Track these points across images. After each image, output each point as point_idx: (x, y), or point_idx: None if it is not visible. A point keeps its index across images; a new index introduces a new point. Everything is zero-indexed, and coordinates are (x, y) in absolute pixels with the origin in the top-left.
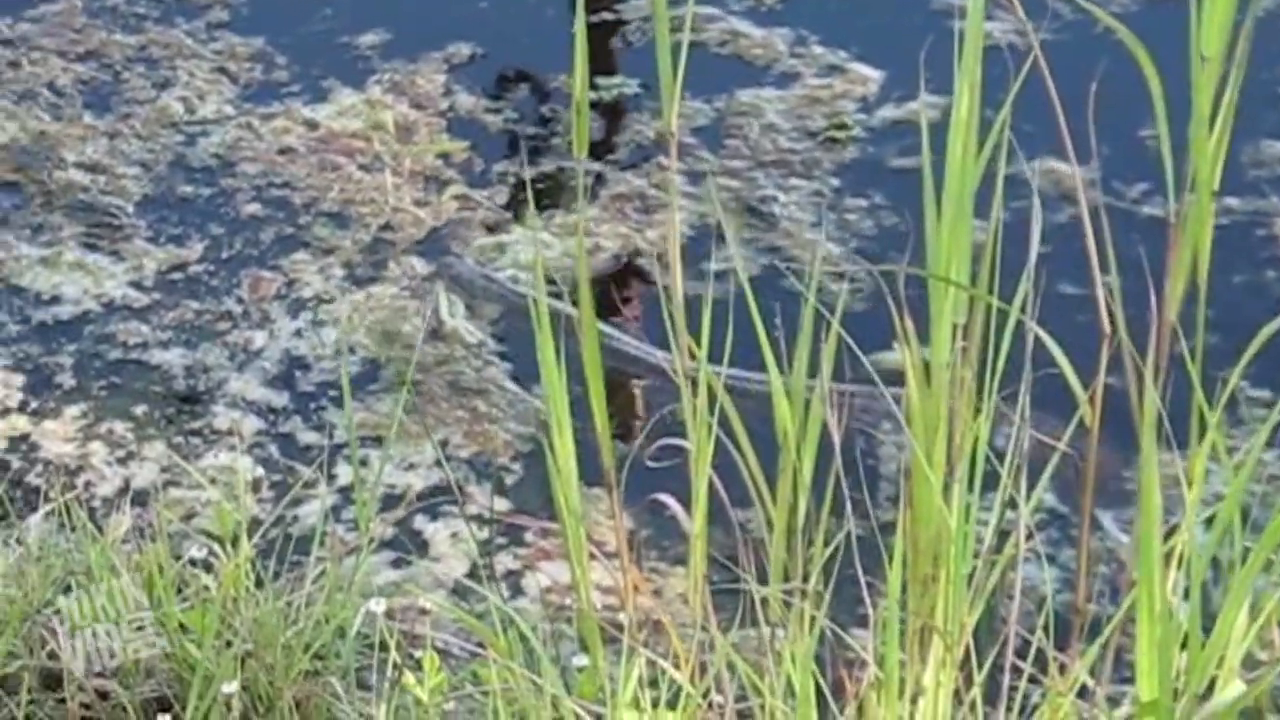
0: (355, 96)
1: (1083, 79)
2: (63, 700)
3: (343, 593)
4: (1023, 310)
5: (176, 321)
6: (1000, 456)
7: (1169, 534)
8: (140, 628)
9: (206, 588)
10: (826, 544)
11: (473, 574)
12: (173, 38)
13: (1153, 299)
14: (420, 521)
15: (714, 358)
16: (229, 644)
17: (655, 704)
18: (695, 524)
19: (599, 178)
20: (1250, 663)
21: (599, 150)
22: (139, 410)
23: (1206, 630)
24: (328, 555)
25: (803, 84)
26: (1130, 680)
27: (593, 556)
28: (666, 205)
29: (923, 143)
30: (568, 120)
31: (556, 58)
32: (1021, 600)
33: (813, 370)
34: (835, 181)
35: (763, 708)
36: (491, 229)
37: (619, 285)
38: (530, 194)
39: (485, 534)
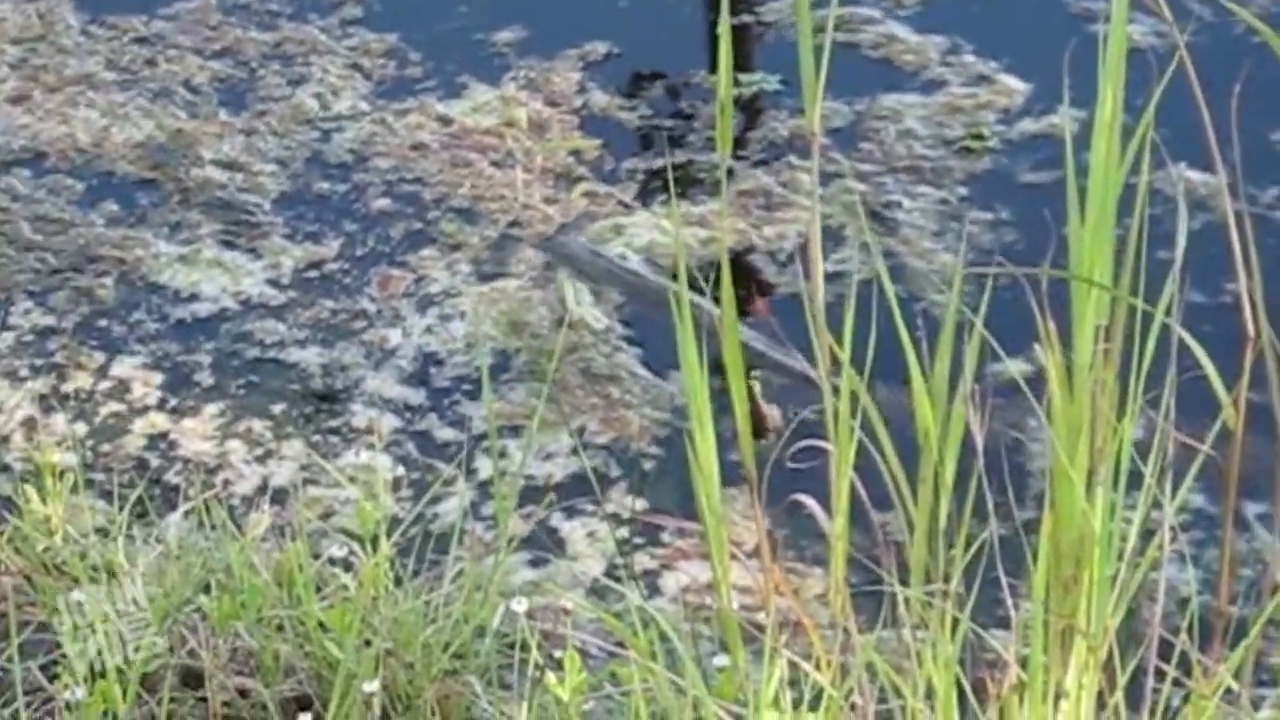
0: (490, 93)
1: (1222, 81)
2: (203, 699)
3: (481, 591)
4: (1167, 313)
5: (313, 320)
6: (1145, 458)
7: None
8: (279, 626)
9: (346, 586)
10: (968, 546)
11: (611, 573)
12: (306, 34)
13: None
14: (557, 519)
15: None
16: (369, 643)
17: (796, 705)
18: (836, 525)
19: (729, 172)
20: None
21: (732, 145)
22: (277, 409)
23: None
24: (467, 554)
25: (947, 92)
26: (1274, 684)
27: (732, 556)
28: (790, 204)
29: (1066, 144)
30: (704, 116)
31: (692, 56)
32: (1165, 602)
33: (954, 373)
34: (963, 191)
35: (904, 709)
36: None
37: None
38: (670, 182)
39: (623, 533)
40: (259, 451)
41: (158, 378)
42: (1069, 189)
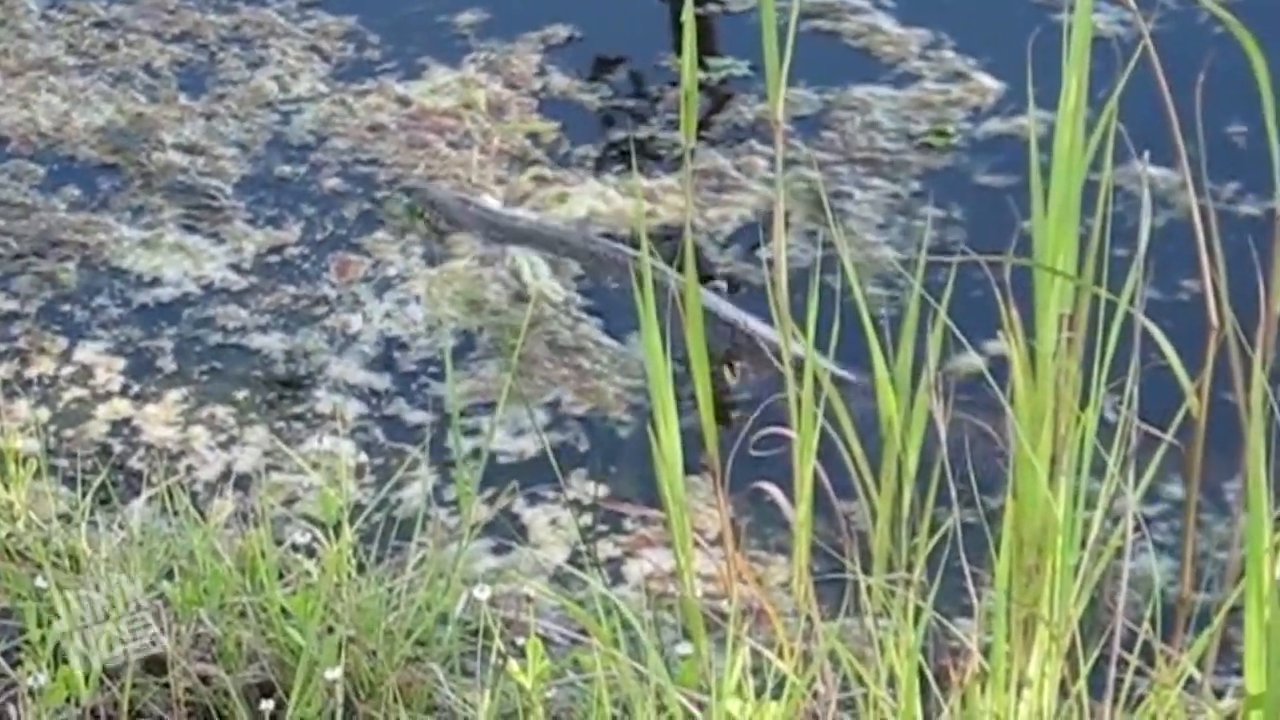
0: (449, 75)
1: (1186, 70)
2: (166, 685)
3: (444, 578)
4: (1130, 303)
5: (275, 305)
6: (1108, 447)
7: None
8: (242, 613)
9: (308, 573)
10: (931, 534)
11: (573, 560)
12: (264, 17)
13: (1262, 291)
14: (520, 506)
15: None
16: (331, 630)
17: (759, 693)
18: (799, 512)
19: (691, 153)
20: None
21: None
22: (240, 395)
23: None
24: (429, 540)
25: (920, 86)
26: (1239, 672)
27: (695, 544)
28: (741, 188)
29: (1030, 134)
30: (666, 98)
31: (657, 41)
32: (1132, 592)
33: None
34: (916, 186)
35: (866, 697)
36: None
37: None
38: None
39: (586, 520)
40: (222, 438)
41: (120, 363)
42: (1032, 175)
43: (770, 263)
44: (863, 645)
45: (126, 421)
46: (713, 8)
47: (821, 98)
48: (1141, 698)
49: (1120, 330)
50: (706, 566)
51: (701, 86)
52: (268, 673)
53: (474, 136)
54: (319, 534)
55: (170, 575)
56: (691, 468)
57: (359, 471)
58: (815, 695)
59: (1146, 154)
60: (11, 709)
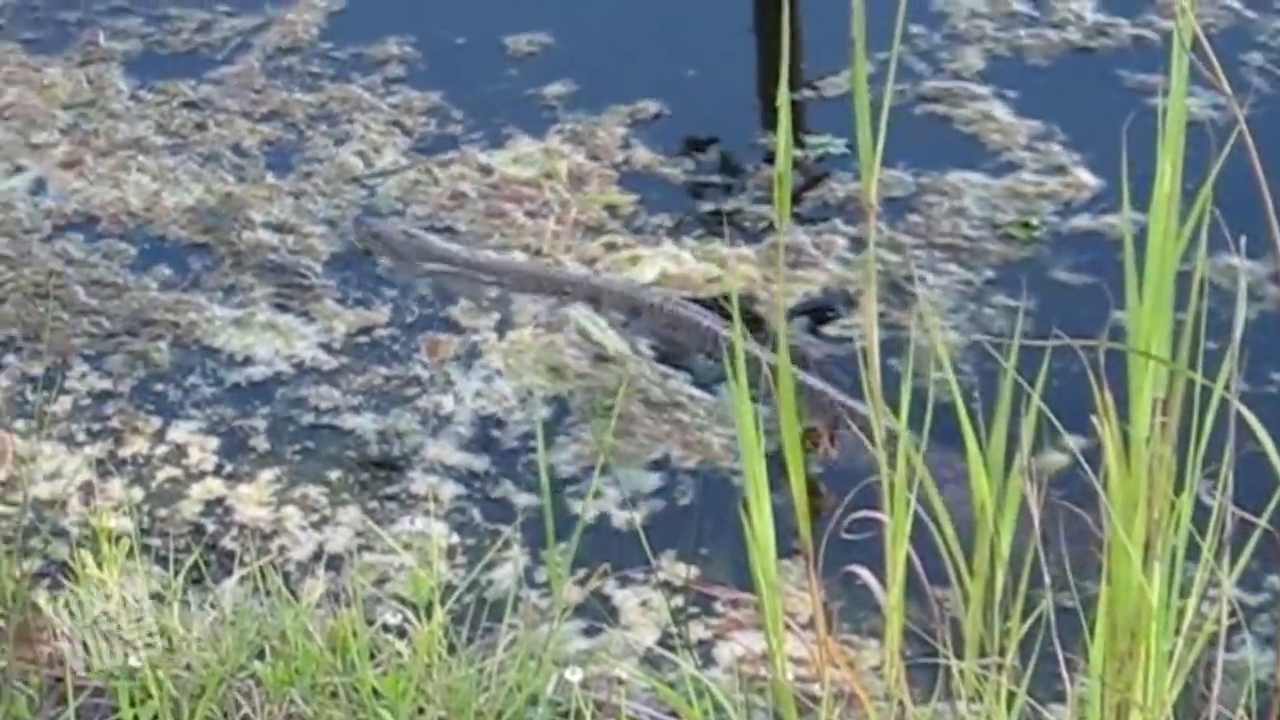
0: (533, 145)
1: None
2: None
3: (535, 660)
4: (1226, 389)
5: (366, 386)
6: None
7: None
8: (334, 693)
9: (400, 653)
10: (1024, 618)
11: (664, 642)
12: (350, 93)
13: None
14: (611, 587)
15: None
16: (422, 711)
17: None
18: (891, 596)
19: (770, 225)
20: None
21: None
22: (333, 475)
23: None
24: (520, 621)
25: (1017, 176)
26: None
27: (787, 627)
28: (815, 264)
29: (1124, 212)
30: (751, 174)
31: (744, 119)
32: (1228, 680)
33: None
34: (990, 274)
35: None
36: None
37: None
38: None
39: (677, 601)
40: (314, 518)
41: (213, 442)
42: (1126, 258)
43: (834, 340)
44: None
45: (219, 501)
46: (808, 93)
47: (916, 180)
48: None
49: (1214, 418)
50: (798, 650)
51: (796, 164)
52: None
53: (552, 206)
54: (410, 615)
55: (262, 655)
56: (784, 549)
57: (451, 552)
58: None
59: (1242, 239)
60: None
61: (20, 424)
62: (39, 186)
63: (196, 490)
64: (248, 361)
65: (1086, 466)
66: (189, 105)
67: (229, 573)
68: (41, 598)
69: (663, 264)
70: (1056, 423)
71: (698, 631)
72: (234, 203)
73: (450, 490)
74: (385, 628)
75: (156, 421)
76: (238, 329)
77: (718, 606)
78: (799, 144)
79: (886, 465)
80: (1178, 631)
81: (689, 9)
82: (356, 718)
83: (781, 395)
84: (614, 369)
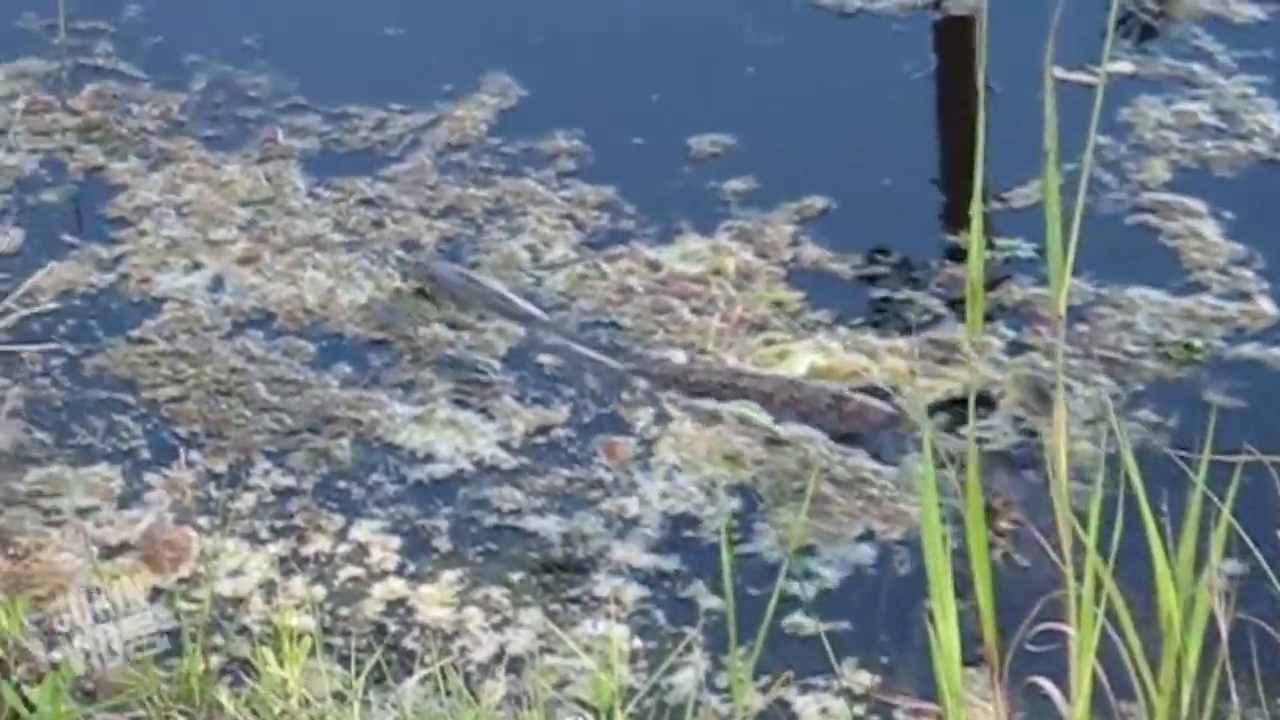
0: (702, 241)
1: None
2: None
3: None
4: None
5: (548, 487)
6: None
7: None
8: None
9: None
10: None
11: None
12: (524, 187)
13: None
14: (791, 694)
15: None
16: None
17: None
18: (1076, 710)
19: (935, 318)
20: None
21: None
22: (515, 577)
23: None
24: None
25: (1198, 298)
26: None
27: None
28: (962, 364)
29: None
30: (921, 269)
31: (919, 220)
32: None
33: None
34: (1139, 389)
35: None
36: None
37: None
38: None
39: (859, 710)
40: (496, 619)
41: (396, 541)
42: None
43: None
44: None
45: (401, 601)
46: (996, 204)
47: (1096, 290)
48: None
49: None
50: None
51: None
52: None
53: (718, 303)
54: (591, 718)
55: None
56: (967, 656)
57: (633, 655)
58: None
59: None
60: None
61: (204, 520)
62: (217, 283)
63: (378, 590)
64: (429, 459)
65: (1275, 579)
66: (365, 202)
67: (410, 672)
68: (224, 694)
69: (812, 356)
70: (1245, 535)
71: None
72: (410, 298)
73: (634, 592)
74: None
75: (339, 519)
76: (418, 426)
77: (898, 715)
78: (989, 245)
79: (1074, 579)
80: None
81: (879, 111)
82: None
83: (970, 509)
84: (789, 451)
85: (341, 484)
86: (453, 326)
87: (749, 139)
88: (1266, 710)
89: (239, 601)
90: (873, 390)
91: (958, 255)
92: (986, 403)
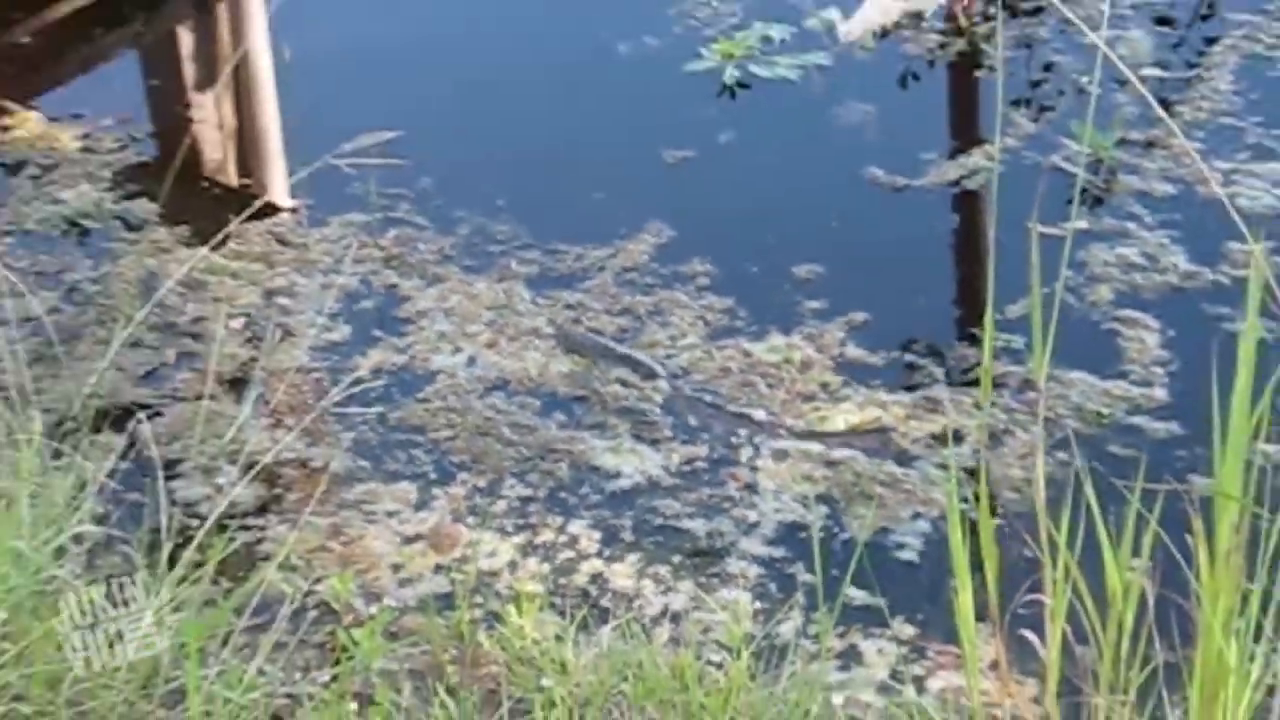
0: (780, 339)
1: None
2: None
3: (809, 687)
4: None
5: (697, 500)
6: None
7: None
8: (674, 706)
9: (718, 680)
10: (1142, 670)
11: (893, 676)
12: (673, 296)
13: None
14: (857, 637)
15: None
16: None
17: None
18: (1050, 652)
19: (930, 380)
20: None
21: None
22: (675, 559)
23: None
24: (799, 661)
25: (1117, 382)
26: None
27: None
28: (945, 413)
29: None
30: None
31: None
32: None
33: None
34: (1061, 437)
35: None
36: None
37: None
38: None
39: (902, 651)
40: (662, 587)
41: (597, 534)
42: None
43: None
44: None
45: (600, 574)
46: (996, 315)
47: (1051, 371)
48: None
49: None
50: (985, 683)
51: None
52: None
53: (784, 381)
54: (726, 654)
55: (627, 679)
56: (979, 616)
57: (754, 613)
58: None
59: None
60: None
61: (470, 519)
62: (471, 361)
63: (585, 566)
64: (618, 476)
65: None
66: (568, 306)
67: (605, 622)
68: (482, 635)
69: (844, 417)
70: (1161, 532)
71: (915, 671)
72: (594, 368)
73: (755, 570)
74: (709, 663)
75: (559, 519)
76: (610, 454)
77: (930, 654)
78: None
79: (1050, 564)
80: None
81: (917, 253)
82: None
83: (981, 514)
84: (843, 467)
85: (561, 494)
86: (624, 384)
87: (833, 269)
88: (1179, 654)
89: (493, 574)
90: (880, 429)
91: (969, 341)
92: (959, 438)
